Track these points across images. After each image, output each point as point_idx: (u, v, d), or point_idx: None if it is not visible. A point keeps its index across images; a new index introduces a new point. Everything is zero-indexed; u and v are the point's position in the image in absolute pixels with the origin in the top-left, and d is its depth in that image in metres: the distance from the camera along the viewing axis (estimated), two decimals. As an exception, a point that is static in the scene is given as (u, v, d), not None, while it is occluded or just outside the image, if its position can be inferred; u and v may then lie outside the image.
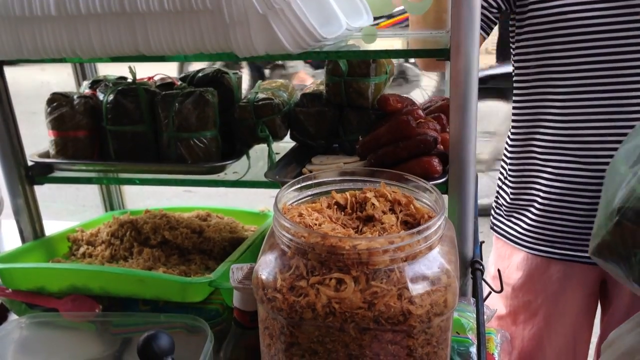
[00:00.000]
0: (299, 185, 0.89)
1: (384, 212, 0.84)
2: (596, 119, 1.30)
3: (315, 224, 0.80)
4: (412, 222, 0.83)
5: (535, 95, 1.38)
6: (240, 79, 1.46)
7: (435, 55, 1.10)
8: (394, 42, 1.37)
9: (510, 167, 1.48)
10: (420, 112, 1.25)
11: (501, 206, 1.54)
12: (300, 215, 0.82)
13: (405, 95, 1.31)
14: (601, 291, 1.49)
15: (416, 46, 1.33)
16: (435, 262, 0.76)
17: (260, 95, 1.35)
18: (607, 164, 1.21)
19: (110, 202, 1.74)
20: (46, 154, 1.38)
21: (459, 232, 1.12)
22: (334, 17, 1.13)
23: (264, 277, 0.77)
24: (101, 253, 1.37)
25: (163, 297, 1.20)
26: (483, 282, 1.11)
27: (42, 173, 1.36)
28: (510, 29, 1.40)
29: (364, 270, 0.72)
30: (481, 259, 1.16)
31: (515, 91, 1.43)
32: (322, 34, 1.04)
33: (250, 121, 1.32)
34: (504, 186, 1.52)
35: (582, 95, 1.30)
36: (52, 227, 1.47)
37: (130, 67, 1.36)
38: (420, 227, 0.76)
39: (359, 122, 1.32)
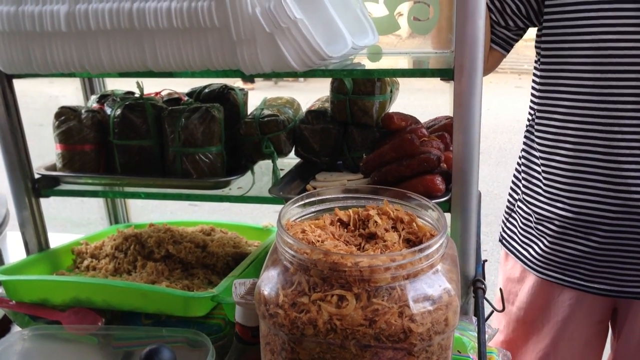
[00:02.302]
0: (303, 202, 0.90)
1: (387, 230, 0.85)
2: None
3: (318, 241, 0.80)
4: (414, 240, 0.84)
5: (552, 107, 1.33)
6: (246, 95, 1.47)
7: (439, 75, 1.11)
8: (399, 61, 1.38)
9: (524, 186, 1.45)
10: (424, 130, 1.26)
11: (515, 224, 1.51)
12: (303, 231, 0.82)
13: (409, 114, 1.32)
14: (612, 317, 1.47)
15: (420, 66, 1.34)
16: (436, 281, 0.76)
17: (266, 112, 1.36)
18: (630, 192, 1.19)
19: (115, 216, 1.75)
20: (53, 167, 1.40)
21: (461, 250, 1.12)
22: (339, 36, 1.15)
23: (266, 292, 0.78)
24: (105, 266, 1.38)
25: (165, 311, 1.20)
26: (485, 301, 1.11)
27: (48, 186, 1.37)
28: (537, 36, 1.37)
29: (366, 288, 0.73)
30: (484, 278, 1.15)
31: (534, 107, 1.39)
32: (328, 52, 1.05)
33: (256, 137, 1.34)
34: (519, 203, 1.48)
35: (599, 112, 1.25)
36: (56, 239, 1.48)
37: (137, 82, 1.37)
38: (422, 246, 0.76)
39: (363, 139, 1.33)
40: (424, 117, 1.41)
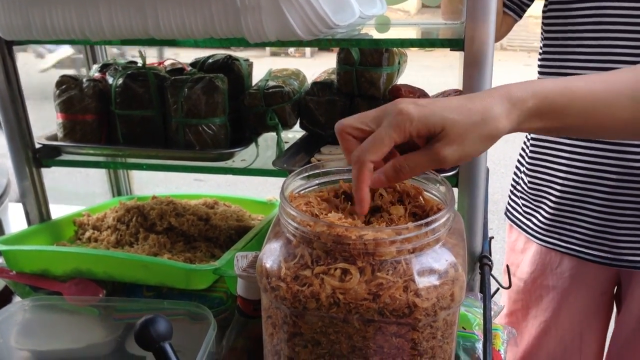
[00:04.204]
0: (307, 174, 0.88)
1: (392, 203, 0.83)
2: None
3: (322, 213, 0.78)
4: (420, 213, 0.82)
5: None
6: (251, 65, 1.44)
7: (449, 46, 1.08)
8: (407, 32, 1.35)
9: (528, 153, 1.46)
10: (432, 103, 1.23)
11: (519, 195, 1.51)
12: (307, 203, 0.81)
13: (417, 86, 1.29)
14: (617, 292, 1.47)
15: (430, 36, 1.31)
16: (442, 255, 0.74)
17: (271, 83, 1.33)
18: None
19: (118, 188, 1.73)
20: (54, 137, 1.38)
21: (468, 226, 1.10)
22: (347, 4, 1.12)
23: (268, 265, 0.76)
24: (107, 238, 1.37)
25: (167, 284, 1.19)
26: (491, 278, 1.09)
27: (49, 156, 1.35)
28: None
29: (370, 261, 0.71)
30: (490, 254, 1.14)
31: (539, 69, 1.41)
32: (335, 21, 1.02)
33: (260, 109, 1.31)
34: (523, 175, 1.49)
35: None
36: (58, 210, 1.47)
37: (140, 51, 1.35)
38: (429, 219, 0.74)
39: (369, 112, 1.30)
40: (432, 94, 1.38)
